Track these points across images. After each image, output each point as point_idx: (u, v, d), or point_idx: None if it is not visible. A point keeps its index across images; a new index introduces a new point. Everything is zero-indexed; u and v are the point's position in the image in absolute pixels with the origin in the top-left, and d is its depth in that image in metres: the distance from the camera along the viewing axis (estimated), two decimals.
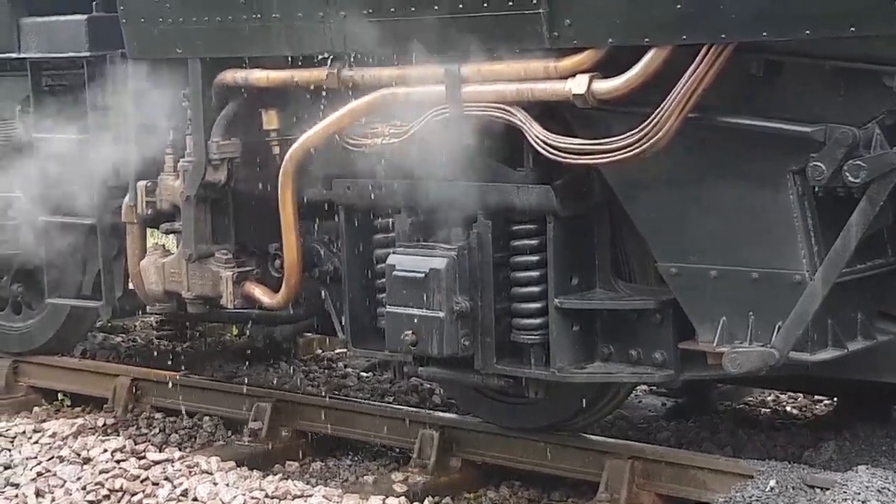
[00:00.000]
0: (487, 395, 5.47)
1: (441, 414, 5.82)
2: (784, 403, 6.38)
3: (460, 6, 4.52)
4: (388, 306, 4.90)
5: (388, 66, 4.83)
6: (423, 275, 4.76)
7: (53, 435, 6.00)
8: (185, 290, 5.63)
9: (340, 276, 5.24)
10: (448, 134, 4.69)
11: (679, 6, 4.16)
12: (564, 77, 4.44)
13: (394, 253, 4.91)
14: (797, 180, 4.29)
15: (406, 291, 4.80)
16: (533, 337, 4.78)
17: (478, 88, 4.62)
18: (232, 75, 5.35)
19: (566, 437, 5.34)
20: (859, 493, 4.45)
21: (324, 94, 5.07)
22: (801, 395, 6.35)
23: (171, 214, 5.69)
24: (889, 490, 4.48)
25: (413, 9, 4.62)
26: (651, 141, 4.33)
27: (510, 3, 4.45)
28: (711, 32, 4.15)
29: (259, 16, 5.09)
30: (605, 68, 4.39)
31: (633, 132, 4.35)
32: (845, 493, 4.48)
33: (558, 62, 4.45)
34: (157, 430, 6.26)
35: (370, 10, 4.73)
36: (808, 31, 4.01)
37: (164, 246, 6.02)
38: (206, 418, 6.28)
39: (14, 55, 6.19)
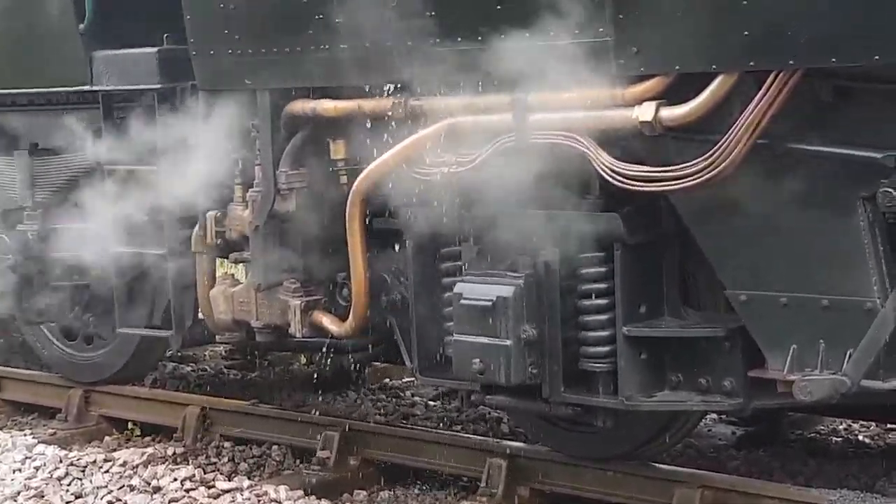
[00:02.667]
0: (555, 424, 5.45)
1: (509, 443, 5.79)
2: (856, 432, 6.28)
3: (527, 35, 4.54)
4: (455, 335, 4.90)
5: (455, 95, 4.86)
6: (490, 303, 4.76)
7: (124, 464, 6.06)
8: (254, 319, 5.68)
9: (408, 305, 5.25)
10: (515, 162, 4.70)
11: (746, 32, 4.15)
12: (632, 104, 4.44)
13: (461, 281, 4.92)
14: (867, 206, 4.25)
15: (473, 320, 4.81)
16: (601, 365, 4.76)
17: (545, 116, 4.63)
18: (300, 105, 5.41)
19: (635, 466, 5.30)
20: None
21: (391, 123, 5.12)
22: (873, 423, 6.25)
23: (239, 244, 5.75)
24: None
25: (480, 38, 4.65)
26: (719, 168, 4.31)
27: (577, 32, 4.46)
28: (779, 58, 4.13)
29: (327, 46, 5.15)
30: (672, 95, 4.38)
31: (700, 159, 4.34)
32: None
33: (625, 90, 4.45)
34: (226, 459, 6.29)
35: (437, 40, 4.77)
36: (877, 57, 3.98)
37: (233, 275, 6.08)
38: (275, 447, 6.31)
39: (87, 87, 6.30)
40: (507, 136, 4.71)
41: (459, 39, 4.71)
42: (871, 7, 3.94)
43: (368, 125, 5.24)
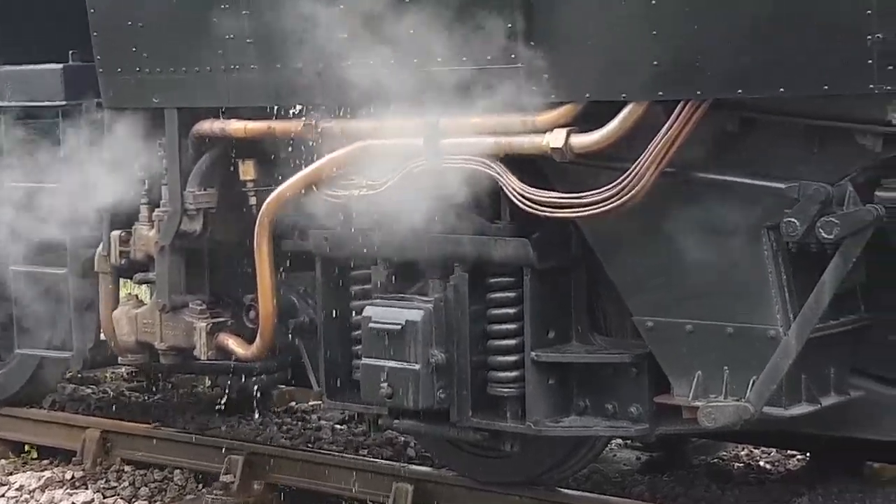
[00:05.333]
0: (463, 449, 5.45)
1: (416, 467, 5.79)
2: (758, 458, 6.38)
3: (439, 59, 4.55)
4: (363, 358, 4.89)
5: (367, 118, 4.85)
6: (399, 327, 4.76)
7: (20, 488, 5.93)
8: (158, 340, 5.61)
9: (316, 328, 5.22)
10: (426, 186, 4.70)
11: (656, 63, 4.21)
12: (543, 131, 4.47)
13: (370, 304, 4.90)
14: (772, 236, 4.32)
15: (382, 343, 4.79)
16: (509, 390, 4.77)
17: (456, 141, 4.65)
18: (209, 125, 5.37)
19: (541, 492, 5.32)
20: None
21: (302, 145, 5.09)
22: (774, 449, 6.35)
23: (144, 264, 5.68)
24: None
25: (392, 61, 4.65)
26: (627, 195, 4.35)
27: (489, 58, 4.48)
28: (688, 89, 4.20)
29: (237, 66, 5.11)
30: (582, 123, 4.42)
31: (609, 186, 4.38)
32: None
33: (536, 116, 4.48)
34: (126, 484, 6.19)
35: (349, 62, 4.76)
36: (782, 90, 4.06)
37: (136, 296, 6.00)
38: (177, 471, 6.22)
39: None
40: (418, 160, 4.71)
41: (372, 63, 4.70)
42: (777, 41, 4.02)
43: (279, 146, 5.20)
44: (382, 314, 4.82)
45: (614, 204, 4.38)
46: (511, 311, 4.75)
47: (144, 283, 5.80)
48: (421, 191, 4.72)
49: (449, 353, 4.76)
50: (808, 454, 6.14)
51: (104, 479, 6.25)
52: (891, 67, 3.87)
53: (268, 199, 5.17)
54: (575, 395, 4.78)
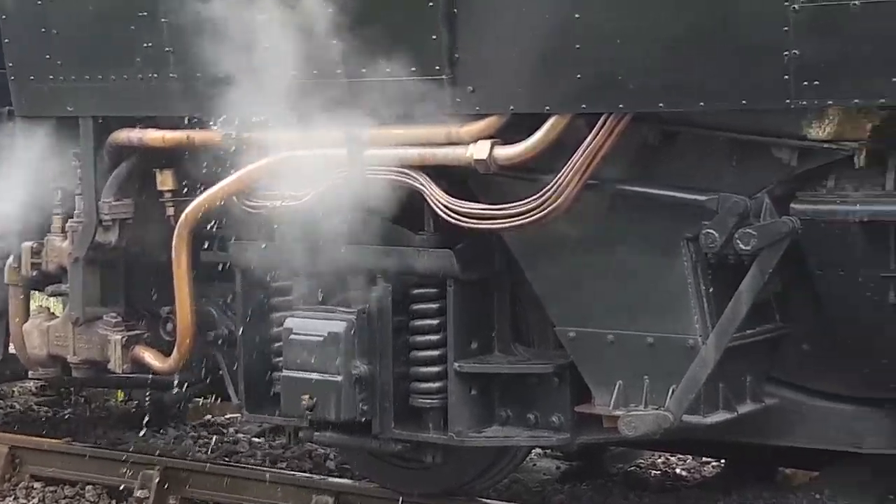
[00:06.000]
0: (384, 460, 5.43)
1: (335, 479, 5.76)
2: (674, 465, 6.47)
3: (363, 70, 4.54)
4: (284, 370, 4.85)
5: (289, 128, 4.82)
6: (321, 338, 4.73)
7: None
8: (71, 354, 5.51)
9: (235, 340, 5.17)
10: (349, 197, 4.68)
11: (579, 76, 4.25)
12: (467, 142, 4.48)
13: (292, 316, 4.87)
14: (691, 247, 4.39)
15: (304, 355, 4.77)
16: (432, 401, 4.78)
17: (380, 152, 4.64)
18: (126, 135, 5.29)
19: (462, 502, 5.32)
20: None
21: (221, 155, 5.03)
22: (690, 457, 6.44)
23: (57, 276, 5.58)
24: None
25: (315, 72, 4.63)
26: (550, 207, 4.39)
27: (413, 69, 4.49)
28: (610, 102, 4.25)
29: (156, 75, 5.05)
30: (507, 135, 4.45)
31: (532, 198, 4.41)
32: None
33: (460, 128, 4.50)
34: (36, 501, 6.05)
35: (271, 73, 4.72)
36: (702, 104, 4.13)
37: (48, 309, 5.88)
38: (90, 487, 6.10)
39: None
40: (340, 171, 4.69)
41: (294, 73, 4.67)
42: (697, 56, 4.09)
43: (198, 156, 5.14)
44: (304, 325, 4.79)
45: (537, 216, 4.41)
46: (434, 322, 4.75)
47: (57, 295, 5.69)
48: (343, 202, 4.70)
49: (371, 365, 4.75)
50: (722, 461, 6.24)
51: (13, 497, 6.10)
52: (806, 83, 3.96)
53: (186, 210, 5.11)
54: (497, 406, 4.80)
